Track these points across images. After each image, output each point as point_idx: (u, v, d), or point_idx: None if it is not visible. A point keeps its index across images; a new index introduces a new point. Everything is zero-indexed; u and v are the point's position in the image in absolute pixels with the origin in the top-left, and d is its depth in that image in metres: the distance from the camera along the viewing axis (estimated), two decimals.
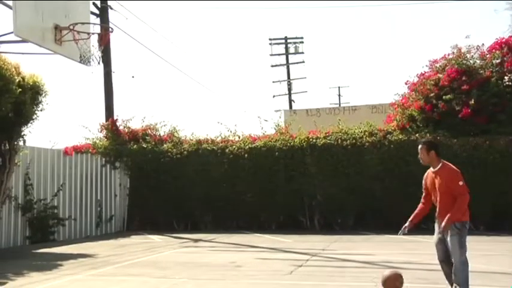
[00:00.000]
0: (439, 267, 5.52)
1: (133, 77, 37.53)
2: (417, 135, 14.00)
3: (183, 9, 70.66)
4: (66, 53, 10.17)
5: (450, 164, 5.58)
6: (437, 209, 5.62)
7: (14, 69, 10.34)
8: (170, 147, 15.97)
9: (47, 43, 9.63)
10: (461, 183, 5.38)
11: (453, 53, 14.77)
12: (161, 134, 16.90)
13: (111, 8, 17.24)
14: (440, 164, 5.54)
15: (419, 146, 5.63)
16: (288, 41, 34.06)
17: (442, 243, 5.55)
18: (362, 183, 13.99)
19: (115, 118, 16.93)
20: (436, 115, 14.05)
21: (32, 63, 50.12)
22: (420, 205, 5.84)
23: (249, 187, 14.94)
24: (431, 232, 5.54)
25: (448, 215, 5.34)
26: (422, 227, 13.87)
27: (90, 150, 15.43)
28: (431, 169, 5.66)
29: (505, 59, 14.04)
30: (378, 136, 14.39)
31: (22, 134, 11.34)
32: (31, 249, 11.55)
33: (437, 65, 14.96)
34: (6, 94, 9.83)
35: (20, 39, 9.31)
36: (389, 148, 14.06)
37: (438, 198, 5.54)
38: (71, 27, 9.89)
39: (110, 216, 15.49)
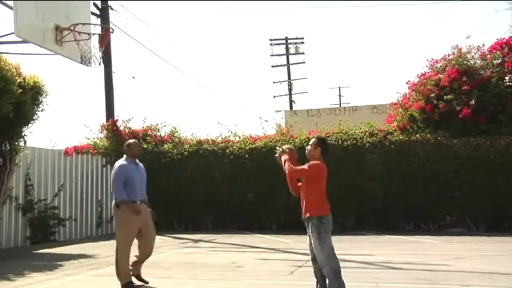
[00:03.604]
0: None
1: (133, 77, 37.70)
2: (418, 135, 14.03)
3: (184, 10, 70.66)
4: (67, 54, 10.16)
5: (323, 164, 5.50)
6: (303, 206, 5.63)
7: (14, 70, 10.35)
8: (171, 148, 15.97)
9: (48, 44, 9.62)
10: (305, 167, 5.36)
11: (453, 53, 14.78)
12: (162, 135, 16.89)
13: (112, 9, 17.23)
14: (317, 162, 5.45)
15: (313, 139, 5.59)
16: (289, 41, 33.95)
17: (310, 242, 5.49)
18: (362, 183, 13.98)
19: (115, 118, 16.92)
20: (436, 115, 14.05)
21: (32, 63, 50.16)
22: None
23: (249, 187, 14.94)
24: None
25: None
26: (423, 228, 14.02)
27: (91, 150, 15.43)
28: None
29: (506, 59, 14.05)
30: (378, 136, 14.38)
31: (23, 134, 11.35)
32: (32, 249, 11.55)
33: (438, 65, 14.97)
34: (6, 95, 9.83)
35: (21, 39, 9.30)
36: (390, 148, 14.05)
37: (303, 194, 5.61)
38: (72, 27, 9.88)
39: (110, 216, 15.46)
